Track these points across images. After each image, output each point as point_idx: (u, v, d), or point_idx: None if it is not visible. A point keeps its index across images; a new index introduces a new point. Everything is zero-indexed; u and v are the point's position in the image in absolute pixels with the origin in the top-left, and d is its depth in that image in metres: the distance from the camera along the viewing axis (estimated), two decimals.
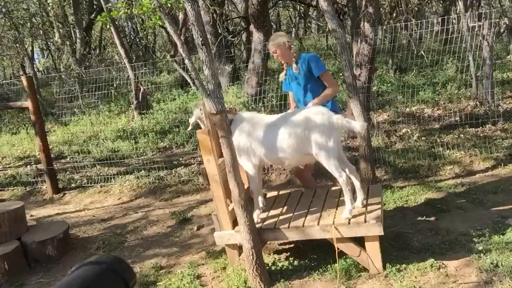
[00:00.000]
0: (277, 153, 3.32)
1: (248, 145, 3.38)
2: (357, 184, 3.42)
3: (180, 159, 6.58)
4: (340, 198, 3.62)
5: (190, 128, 3.69)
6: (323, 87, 3.73)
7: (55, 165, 6.53)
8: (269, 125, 3.37)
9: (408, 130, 6.14)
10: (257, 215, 3.49)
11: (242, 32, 12.01)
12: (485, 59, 6.27)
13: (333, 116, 3.26)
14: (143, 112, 8.50)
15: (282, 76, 3.91)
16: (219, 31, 9.16)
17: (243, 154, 3.41)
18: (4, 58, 15.53)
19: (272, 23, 12.83)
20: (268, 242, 3.62)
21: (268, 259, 3.59)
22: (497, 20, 6.95)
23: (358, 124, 3.27)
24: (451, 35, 7.41)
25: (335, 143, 3.23)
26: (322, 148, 3.20)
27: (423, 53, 7.10)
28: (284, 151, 3.30)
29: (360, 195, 3.42)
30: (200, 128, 3.51)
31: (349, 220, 3.24)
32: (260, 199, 3.61)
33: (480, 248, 3.28)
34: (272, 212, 3.61)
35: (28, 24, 13.14)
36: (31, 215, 5.53)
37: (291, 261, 3.50)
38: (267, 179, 5.60)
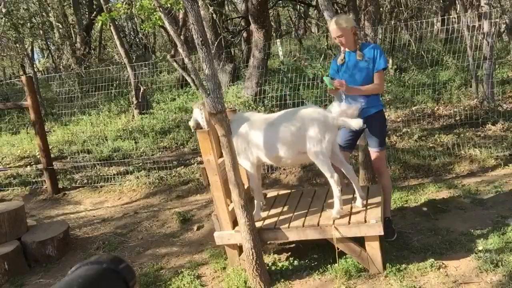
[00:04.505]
0: (273, 151, 3.33)
1: (246, 144, 3.40)
2: (355, 183, 3.42)
3: (180, 159, 6.58)
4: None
5: (191, 123, 3.72)
6: (371, 80, 3.52)
7: (55, 165, 6.53)
8: (266, 123, 3.38)
9: (408, 130, 6.14)
10: (258, 213, 3.50)
11: (242, 32, 12.02)
12: (485, 59, 6.27)
13: (328, 116, 3.26)
14: (143, 112, 8.50)
15: (339, 60, 3.59)
16: (219, 31, 9.15)
17: (242, 153, 3.42)
18: (4, 58, 15.52)
19: (272, 23, 12.83)
20: (268, 242, 3.62)
21: (268, 259, 3.59)
22: (497, 19, 6.95)
23: (354, 122, 3.23)
24: (451, 34, 7.41)
25: (329, 143, 3.24)
26: (315, 147, 3.21)
27: (423, 53, 7.10)
28: (279, 149, 3.30)
29: (359, 197, 3.42)
30: (201, 127, 3.52)
31: (349, 220, 3.24)
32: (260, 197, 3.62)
33: (480, 248, 3.28)
34: (272, 212, 3.61)
35: (28, 24, 13.13)
36: (31, 215, 5.53)
37: (291, 261, 3.50)
38: (278, 178, 5.60)
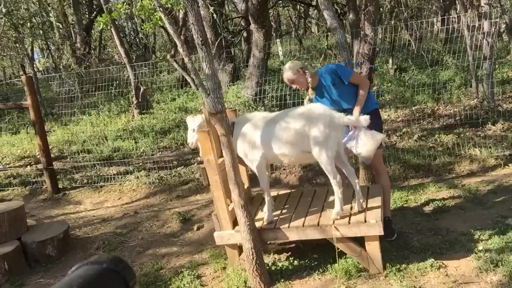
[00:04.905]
0: (277, 149, 3.29)
1: (254, 146, 3.36)
2: (356, 187, 3.39)
3: (180, 159, 6.58)
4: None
5: (189, 139, 3.67)
6: (352, 87, 3.57)
7: (55, 165, 6.53)
8: (270, 122, 3.34)
9: (408, 129, 6.14)
10: (270, 215, 3.46)
11: (242, 31, 12.02)
12: (485, 59, 6.26)
13: (334, 115, 3.23)
14: (143, 112, 8.50)
15: (311, 96, 3.65)
16: (219, 31, 9.16)
17: (250, 155, 3.38)
18: (4, 58, 15.52)
19: (272, 23, 12.84)
20: (268, 242, 3.62)
21: (268, 259, 3.59)
22: (497, 19, 6.95)
23: (362, 119, 3.23)
24: (451, 34, 7.41)
25: (334, 143, 3.20)
26: (320, 147, 3.17)
27: (423, 53, 7.10)
28: (284, 148, 3.27)
29: (359, 199, 3.40)
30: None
31: (349, 220, 3.24)
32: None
33: (480, 248, 3.28)
34: (272, 212, 3.60)
35: (28, 24, 13.13)
36: (31, 215, 5.53)
37: (291, 261, 3.50)
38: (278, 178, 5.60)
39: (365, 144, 3.31)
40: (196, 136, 3.46)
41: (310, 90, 3.57)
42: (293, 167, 5.57)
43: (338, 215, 3.25)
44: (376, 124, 3.55)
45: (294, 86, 3.65)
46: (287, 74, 3.55)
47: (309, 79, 3.53)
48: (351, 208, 3.44)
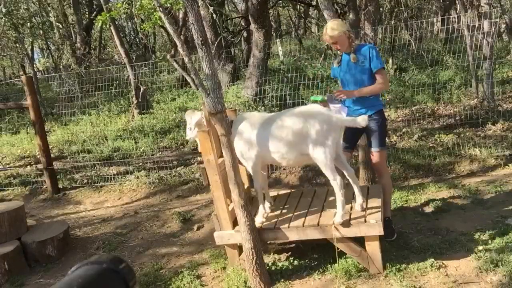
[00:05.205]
0: (275, 151, 3.27)
1: (249, 145, 3.35)
2: (356, 188, 3.38)
3: (180, 159, 6.58)
4: None
5: (188, 137, 3.65)
6: (369, 77, 3.53)
7: (55, 165, 6.52)
8: (268, 123, 3.32)
9: (408, 129, 6.14)
10: (261, 215, 3.47)
11: (242, 31, 12.02)
12: (485, 59, 6.26)
13: (333, 116, 3.22)
14: (143, 112, 8.50)
15: (336, 63, 3.64)
16: (219, 31, 9.15)
17: (245, 154, 3.38)
18: (4, 58, 15.52)
19: (272, 23, 12.83)
20: (268, 242, 3.62)
21: (268, 259, 3.59)
22: (497, 19, 6.95)
23: (360, 119, 3.21)
24: (451, 34, 7.41)
25: (333, 144, 3.17)
26: (319, 149, 3.14)
27: (423, 53, 7.10)
28: (281, 150, 3.25)
29: (359, 199, 3.39)
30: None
31: (349, 220, 3.24)
32: (266, 198, 3.61)
33: (480, 248, 3.28)
34: (272, 212, 3.61)
35: (28, 24, 13.13)
36: (31, 215, 5.53)
37: (291, 261, 3.50)
38: (278, 178, 5.60)
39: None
40: (195, 133, 3.46)
41: (352, 55, 3.49)
42: (294, 167, 5.56)
43: (342, 219, 3.19)
44: (381, 124, 3.56)
45: (335, 47, 3.55)
46: (334, 32, 3.44)
47: (353, 43, 3.51)
48: (351, 208, 3.44)
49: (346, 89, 3.59)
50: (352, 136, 3.65)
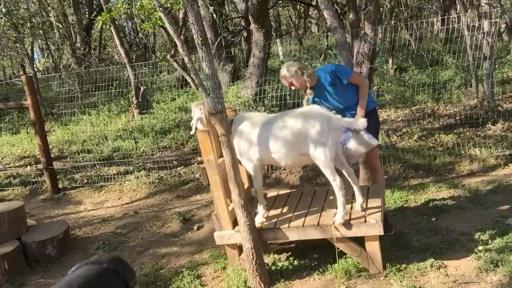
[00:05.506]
0: (274, 152, 3.27)
1: (248, 145, 3.35)
2: (355, 188, 3.38)
3: (180, 159, 6.58)
4: None
5: (193, 131, 3.64)
6: (351, 87, 3.57)
7: (55, 165, 6.53)
8: (268, 124, 3.32)
9: (408, 129, 6.14)
10: (261, 215, 3.48)
11: (242, 31, 12.01)
12: (485, 58, 6.26)
13: (332, 117, 3.22)
14: (143, 112, 8.50)
15: (309, 96, 3.61)
16: (219, 31, 9.16)
17: (244, 154, 3.38)
18: (4, 58, 15.52)
19: (272, 23, 12.84)
20: (268, 242, 3.62)
21: (268, 259, 3.59)
22: (497, 19, 6.95)
23: (358, 122, 3.22)
24: (451, 34, 7.42)
25: (333, 145, 3.17)
26: (319, 149, 3.14)
27: (423, 53, 7.10)
28: (281, 150, 3.25)
29: (359, 199, 3.39)
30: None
31: (349, 220, 3.24)
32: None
33: (480, 248, 3.28)
34: (272, 212, 3.61)
35: (28, 24, 13.13)
36: (31, 215, 5.53)
37: (291, 261, 3.50)
38: (278, 178, 5.60)
39: (357, 145, 3.32)
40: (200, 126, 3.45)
41: (308, 90, 3.55)
42: (294, 167, 5.56)
43: (343, 219, 3.19)
44: (374, 124, 3.57)
45: (293, 88, 3.64)
46: (285, 76, 3.55)
47: (307, 79, 3.52)
48: (351, 208, 3.44)
49: (336, 109, 3.59)
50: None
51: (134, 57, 12.22)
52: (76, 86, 9.66)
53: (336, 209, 3.42)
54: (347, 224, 3.20)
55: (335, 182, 3.17)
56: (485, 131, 5.83)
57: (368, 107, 3.57)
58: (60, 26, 15.37)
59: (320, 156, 3.15)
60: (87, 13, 14.97)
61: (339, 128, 3.25)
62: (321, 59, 9.31)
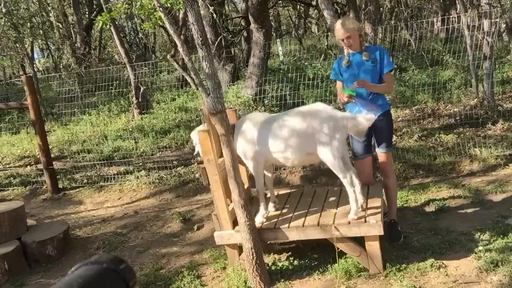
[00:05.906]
0: (281, 152, 3.26)
1: (252, 146, 3.33)
2: (357, 188, 3.37)
3: (180, 159, 6.58)
4: (340, 198, 3.62)
5: (196, 153, 3.66)
6: (376, 78, 3.50)
7: (55, 165, 6.52)
8: (272, 123, 3.31)
9: (409, 129, 6.14)
10: (261, 215, 3.48)
11: (242, 31, 12.01)
12: (486, 58, 6.26)
13: (338, 114, 3.22)
14: (143, 112, 8.50)
15: (345, 63, 3.53)
16: (219, 31, 9.15)
17: (249, 155, 3.37)
18: (4, 58, 15.52)
19: (272, 23, 12.83)
20: (268, 242, 3.62)
21: (268, 259, 3.59)
22: (497, 19, 6.95)
23: (365, 118, 3.20)
24: (451, 34, 7.41)
25: (340, 143, 3.17)
26: (325, 148, 3.14)
27: (423, 53, 7.10)
28: (287, 150, 3.24)
29: (360, 199, 3.37)
30: None
31: (349, 220, 3.24)
32: (271, 198, 3.61)
33: (480, 248, 3.28)
34: (272, 212, 3.61)
35: (28, 24, 13.13)
36: (31, 215, 5.53)
37: (291, 261, 3.50)
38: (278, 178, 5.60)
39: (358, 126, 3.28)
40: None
41: (364, 53, 3.45)
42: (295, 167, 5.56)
43: (356, 215, 3.18)
44: (388, 125, 3.57)
45: (345, 42, 3.44)
46: (348, 28, 3.38)
47: (363, 42, 3.50)
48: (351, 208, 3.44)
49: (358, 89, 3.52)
50: (364, 141, 3.61)
51: (134, 57, 12.21)
52: (76, 86, 9.66)
53: (336, 209, 3.43)
54: (347, 224, 3.20)
55: (345, 180, 3.17)
56: (485, 131, 5.83)
57: (384, 108, 3.55)
58: (60, 26, 15.36)
59: (328, 155, 3.15)
60: (87, 13, 14.97)
61: (345, 126, 3.23)
62: (321, 59, 9.31)
